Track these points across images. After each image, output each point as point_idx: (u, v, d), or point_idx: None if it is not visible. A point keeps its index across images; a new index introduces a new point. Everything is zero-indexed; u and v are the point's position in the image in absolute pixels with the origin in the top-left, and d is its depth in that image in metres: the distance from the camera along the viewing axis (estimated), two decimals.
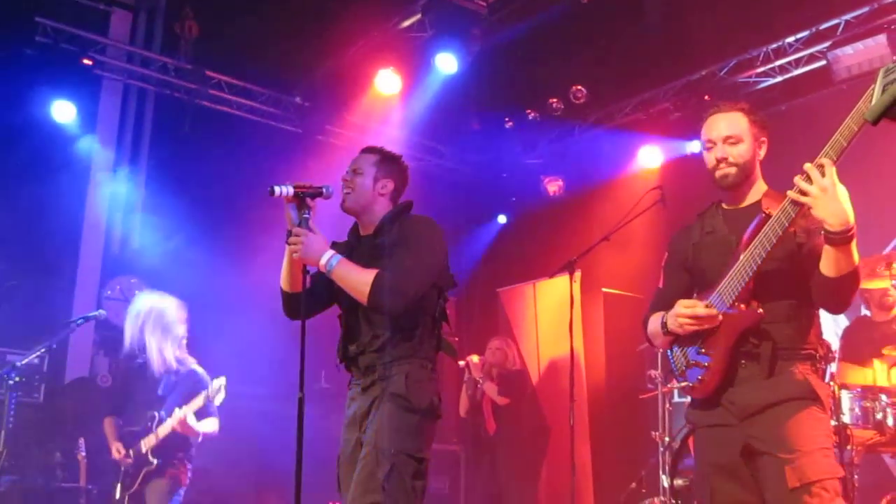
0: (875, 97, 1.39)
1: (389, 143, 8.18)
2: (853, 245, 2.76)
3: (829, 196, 2.67)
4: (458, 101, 8.68)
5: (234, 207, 7.73)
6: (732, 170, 3.17)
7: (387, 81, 8.22)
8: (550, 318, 8.29)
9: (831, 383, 4.71)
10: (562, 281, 6.62)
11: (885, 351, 5.39)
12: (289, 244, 3.42)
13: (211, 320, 6.36)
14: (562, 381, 6.95)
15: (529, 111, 8.97)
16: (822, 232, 2.76)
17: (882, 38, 6.51)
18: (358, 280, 3.37)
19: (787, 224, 2.84)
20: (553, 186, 9.27)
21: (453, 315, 8.24)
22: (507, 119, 9.22)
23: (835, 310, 3.14)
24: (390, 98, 8.42)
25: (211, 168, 7.74)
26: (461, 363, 7.35)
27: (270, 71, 8.24)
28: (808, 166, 2.72)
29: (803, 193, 2.72)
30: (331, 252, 3.41)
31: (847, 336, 6.09)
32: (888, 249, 6.53)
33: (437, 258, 3.52)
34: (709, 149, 3.22)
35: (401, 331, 3.44)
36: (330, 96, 8.51)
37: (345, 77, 8.28)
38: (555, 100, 8.72)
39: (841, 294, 2.91)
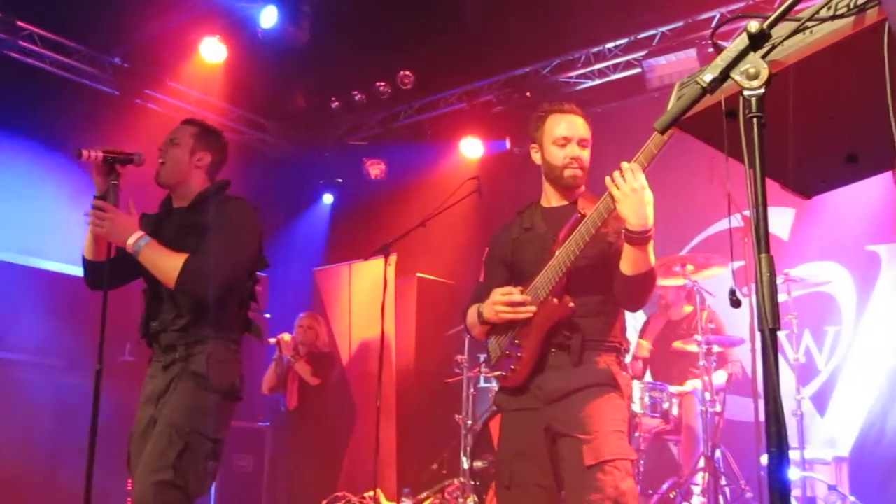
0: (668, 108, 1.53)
1: (211, 112, 7.99)
2: (650, 246, 2.95)
3: (636, 197, 2.85)
4: (285, 76, 8.55)
5: (40, 167, 7.31)
6: (580, 172, 3.30)
7: (212, 49, 7.94)
8: (364, 300, 8.34)
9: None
10: (377, 264, 6.68)
11: (674, 345, 5.77)
12: (92, 220, 3.30)
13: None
14: (372, 363, 7.03)
15: (356, 92, 8.96)
16: (623, 231, 2.93)
17: (693, 52, 6.91)
18: (166, 265, 3.29)
19: (599, 224, 2.99)
20: (375, 169, 9.30)
21: (266, 293, 8.19)
22: (333, 99, 9.17)
23: (632, 307, 3.35)
24: (215, 67, 8.15)
25: (17, 123, 7.29)
26: (272, 340, 7.28)
27: (90, 28, 7.81)
28: (625, 165, 2.89)
29: (614, 193, 2.89)
30: (138, 234, 3.31)
31: (645, 331, 6.47)
32: (685, 251, 6.99)
33: (249, 245, 3.48)
34: (562, 145, 3.28)
35: (206, 311, 3.36)
36: (152, 60, 8.15)
37: (169, 42, 7.94)
38: (382, 83, 8.74)
39: (637, 292, 3.10)
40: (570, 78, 7.98)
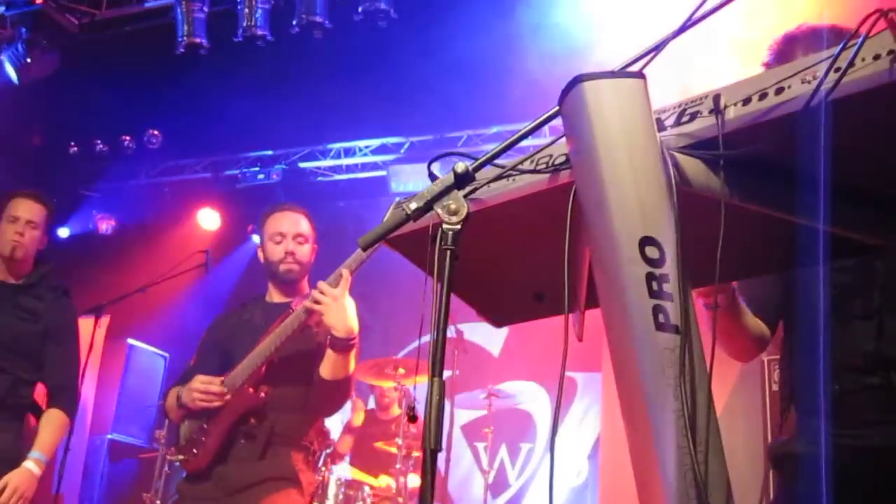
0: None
1: None
2: (352, 354, 3.04)
3: (338, 305, 2.93)
4: (25, 110, 8.05)
5: None
6: (297, 267, 3.35)
7: None
8: None
9: (323, 468, 5.03)
10: (87, 323, 6.32)
11: (377, 445, 5.85)
12: None
13: None
14: None
15: (98, 142, 8.58)
16: (328, 337, 3.00)
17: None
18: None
19: (297, 325, 3.05)
20: (105, 224, 8.88)
21: None
22: (72, 144, 8.71)
23: (325, 412, 3.40)
24: None
25: None
26: None
27: None
28: (320, 283, 2.98)
29: (317, 302, 2.96)
30: None
31: (347, 426, 6.52)
32: (402, 354, 7.17)
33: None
34: (278, 242, 3.35)
35: None
36: None
37: None
38: (127, 137, 8.45)
39: (333, 396, 3.17)
40: (319, 169, 8.09)
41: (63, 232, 9.12)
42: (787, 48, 2.10)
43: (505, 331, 7.24)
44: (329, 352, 3.02)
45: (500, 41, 5.64)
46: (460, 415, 6.90)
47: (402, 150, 7.63)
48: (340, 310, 2.92)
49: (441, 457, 5.76)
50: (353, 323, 2.96)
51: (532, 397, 6.82)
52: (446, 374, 4.62)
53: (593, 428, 6.60)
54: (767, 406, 4.44)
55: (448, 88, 6.27)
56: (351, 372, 3.08)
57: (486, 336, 7.25)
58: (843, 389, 1.97)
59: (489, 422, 5.98)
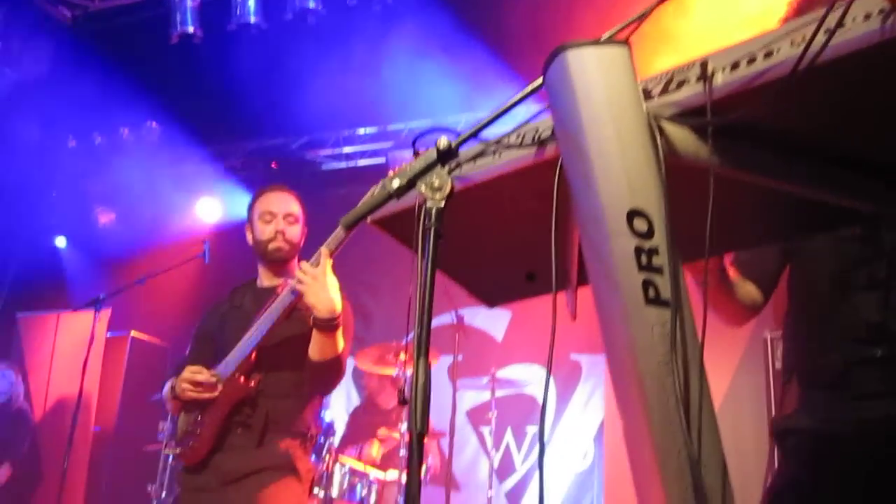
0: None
1: None
2: (339, 333, 3.01)
3: (318, 284, 2.90)
4: (22, 103, 8.02)
5: None
6: (286, 246, 3.33)
7: None
8: (69, 353, 7.80)
9: (327, 456, 5.02)
10: (88, 316, 6.31)
11: (379, 432, 5.83)
12: None
13: None
14: (67, 421, 6.55)
15: (97, 134, 8.55)
16: (311, 318, 2.97)
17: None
18: None
19: (283, 307, 3.02)
20: (105, 218, 8.86)
21: None
22: (71, 137, 8.69)
23: (319, 392, 3.37)
24: None
25: None
26: None
27: None
28: (302, 263, 2.95)
29: (300, 282, 2.93)
30: None
31: (354, 415, 6.51)
32: (406, 340, 7.14)
33: None
34: (268, 221, 3.33)
35: None
36: None
37: None
38: (125, 129, 8.42)
39: (324, 377, 3.14)
40: (317, 157, 8.05)
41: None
42: (807, 3, 2.03)
43: (508, 314, 7.21)
44: (315, 332, 3.00)
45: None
46: (464, 399, 6.88)
47: (402, 136, 7.59)
48: (321, 289, 2.90)
49: (445, 441, 5.75)
50: (335, 302, 2.93)
51: (536, 380, 6.79)
52: (448, 359, 4.58)
53: (598, 410, 6.58)
54: (772, 385, 4.41)
55: (445, 73, 6.24)
56: (340, 351, 3.05)
57: (488, 320, 7.23)
58: (847, 361, 1.94)
59: (493, 406, 5.97)
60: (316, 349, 3.01)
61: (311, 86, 7.17)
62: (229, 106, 7.65)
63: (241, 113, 7.76)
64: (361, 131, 7.86)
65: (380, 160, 7.73)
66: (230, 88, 7.28)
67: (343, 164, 8.04)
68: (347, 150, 7.97)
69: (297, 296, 2.96)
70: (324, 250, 2.90)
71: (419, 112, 7.47)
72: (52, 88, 7.65)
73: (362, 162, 7.98)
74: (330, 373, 3.09)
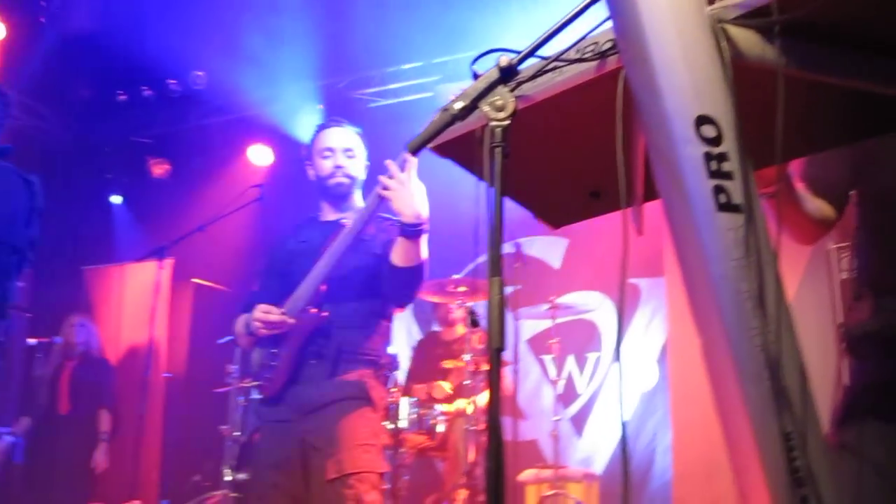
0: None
1: None
2: (423, 239, 3.02)
3: (405, 189, 2.91)
4: (69, 63, 8.10)
5: None
6: (347, 180, 3.35)
7: None
8: (136, 303, 8.00)
9: (394, 389, 5.09)
10: (152, 266, 6.44)
11: (445, 364, 5.90)
12: None
13: None
14: (139, 369, 6.74)
15: (145, 88, 8.63)
16: (398, 223, 2.99)
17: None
18: None
19: (360, 226, 3.04)
20: (159, 169, 8.97)
21: (30, 291, 7.67)
22: (120, 92, 8.77)
23: (400, 301, 3.37)
24: None
25: None
26: (31, 340, 6.87)
27: None
28: (389, 162, 2.95)
29: (385, 188, 2.94)
30: None
31: (417, 349, 6.58)
32: (464, 273, 7.17)
33: None
34: (326, 157, 3.36)
35: None
36: None
37: None
38: (173, 81, 8.47)
39: (406, 285, 3.16)
40: (364, 95, 8.03)
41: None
42: None
43: (565, 242, 7.19)
44: (399, 239, 3.02)
45: None
46: (525, 329, 6.92)
47: (449, 69, 7.53)
48: (407, 194, 2.91)
49: (508, 371, 5.80)
50: (422, 207, 2.94)
51: (596, 306, 6.80)
52: (508, 289, 4.59)
53: (660, 333, 6.57)
54: (837, 295, 4.36)
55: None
56: (424, 258, 3.07)
57: (545, 248, 7.22)
58: None
59: (554, 334, 5.99)
60: (400, 255, 3.03)
61: (354, 25, 7.15)
62: (272, 53, 7.65)
63: (284, 58, 7.75)
64: (406, 66, 7.81)
65: (428, 94, 7.69)
66: (272, 35, 7.29)
67: (392, 101, 8.00)
68: (393, 86, 7.93)
69: (367, 224, 2.98)
70: (407, 155, 2.90)
71: (463, 45, 7.39)
72: (100, 41, 7.70)
73: (410, 97, 7.94)
74: (413, 279, 3.11)
